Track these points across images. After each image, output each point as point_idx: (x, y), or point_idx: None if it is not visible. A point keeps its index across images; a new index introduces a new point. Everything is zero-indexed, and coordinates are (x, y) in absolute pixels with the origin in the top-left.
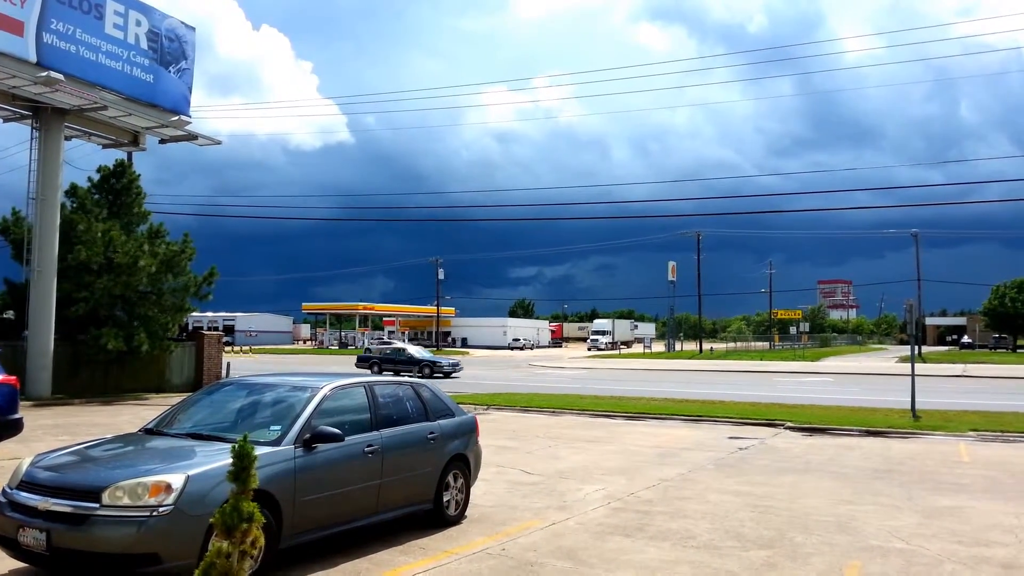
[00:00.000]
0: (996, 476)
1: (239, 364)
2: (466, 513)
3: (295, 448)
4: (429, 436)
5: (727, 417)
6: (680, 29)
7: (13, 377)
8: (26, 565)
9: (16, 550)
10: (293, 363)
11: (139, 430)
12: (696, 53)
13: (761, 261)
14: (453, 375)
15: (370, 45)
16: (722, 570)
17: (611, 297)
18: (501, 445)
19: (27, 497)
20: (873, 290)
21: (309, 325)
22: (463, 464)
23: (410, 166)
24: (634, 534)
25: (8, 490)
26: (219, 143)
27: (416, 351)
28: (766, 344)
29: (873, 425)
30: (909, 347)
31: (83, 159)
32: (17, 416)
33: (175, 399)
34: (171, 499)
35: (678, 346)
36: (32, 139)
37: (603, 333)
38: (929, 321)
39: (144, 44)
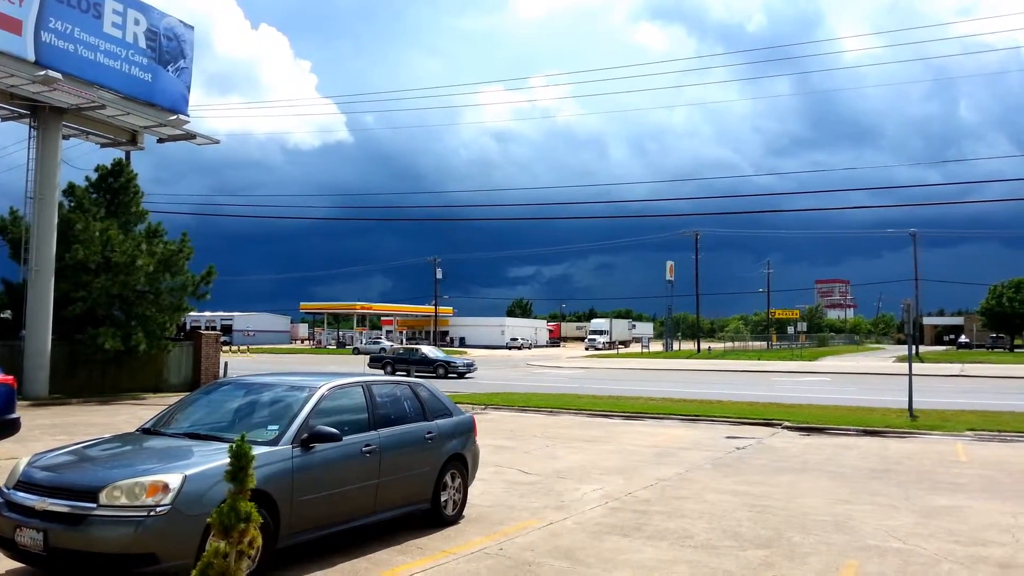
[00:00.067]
0: (993, 476)
1: (237, 364)
2: (464, 513)
3: (293, 448)
4: (427, 436)
5: (725, 417)
6: (679, 28)
7: (10, 377)
8: (23, 565)
9: (13, 550)
10: (291, 363)
11: (137, 430)
12: (695, 52)
13: (759, 261)
14: (467, 375)
15: (369, 44)
16: (719, 570)
17: (609, 297)
18: (499, 445)
19: (24, 497)
20: (871, 290)
21: (307, 325)
22: (461, 464)
23: (409, 165)
24: (632, 534)
25: (5, 490)
26: (217, 142)
27: (430, 351)
28: (764, 344)
29: (871, 425)
30: (906, 347)
31: (81, 158)
32: (14, 416)
33: (173, 399)
34: (168, 499)
35: (676, 346)
36: (30, 138)
37: (601, 333)
38: (927, 321)
39: (142, 43)
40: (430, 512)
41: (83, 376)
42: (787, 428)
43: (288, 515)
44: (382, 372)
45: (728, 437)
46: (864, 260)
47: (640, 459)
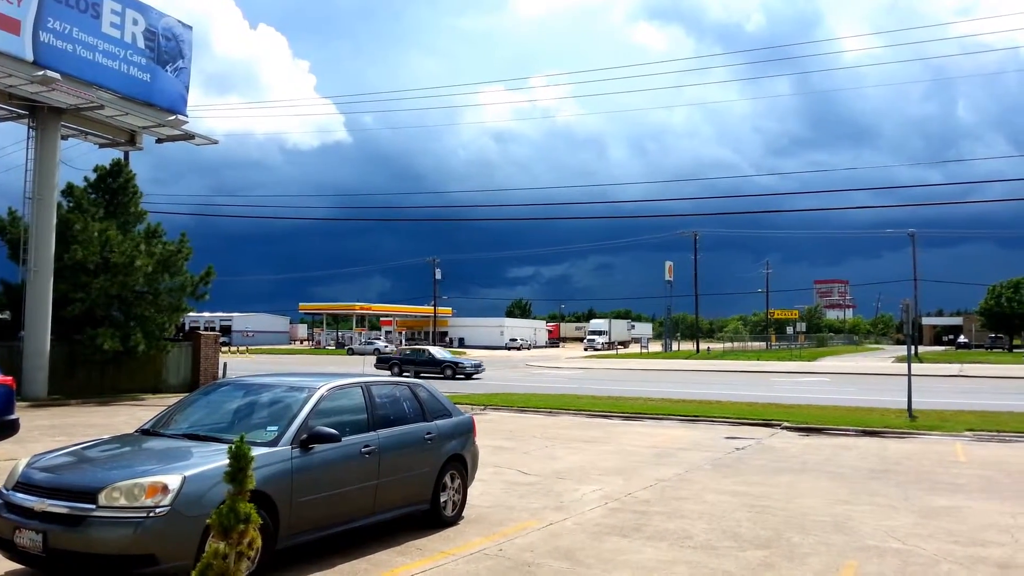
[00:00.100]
0: (992, 476)
1: (236, 364)
2: (463, 513)
3: (292, 449)
4: (426, 436)
5: (724, 417)
6: (678, 28)
7: (9, 378)
8: (22, 567)
9: (12, 552)
10: (290, 363)
11: (136, 431)
12: (694, 52)
13: (758, 261)
14: (475, 376)
15: (368, 44)
16: (719, 570)
17: (608, 297)
18: (498, 445)
19: (23, 498)
20: (870, 290)
21: (306, 325)
22: (460, 464)
23: (408, 166)
24: (631, 534)
25: (4, 491)
26: (216, 142)
27: (437, 352)
28: (763, 344)
29: (870, 425)
30: (905, 347)
31: (80, 158)
32: (13, 417)
33: (172, 399)
34: (168, 500)
35: (675, 346)
36: (28, 138)
37: (600, 333)
38: (925, 321)
39: (141, 43)
40: (429, 513)
41: (82, 377)
42: (786, 428)
43: (287, 516)
44: (388, 373)
45: (727, 437)
46: (863, 260)
47: (639, 460)
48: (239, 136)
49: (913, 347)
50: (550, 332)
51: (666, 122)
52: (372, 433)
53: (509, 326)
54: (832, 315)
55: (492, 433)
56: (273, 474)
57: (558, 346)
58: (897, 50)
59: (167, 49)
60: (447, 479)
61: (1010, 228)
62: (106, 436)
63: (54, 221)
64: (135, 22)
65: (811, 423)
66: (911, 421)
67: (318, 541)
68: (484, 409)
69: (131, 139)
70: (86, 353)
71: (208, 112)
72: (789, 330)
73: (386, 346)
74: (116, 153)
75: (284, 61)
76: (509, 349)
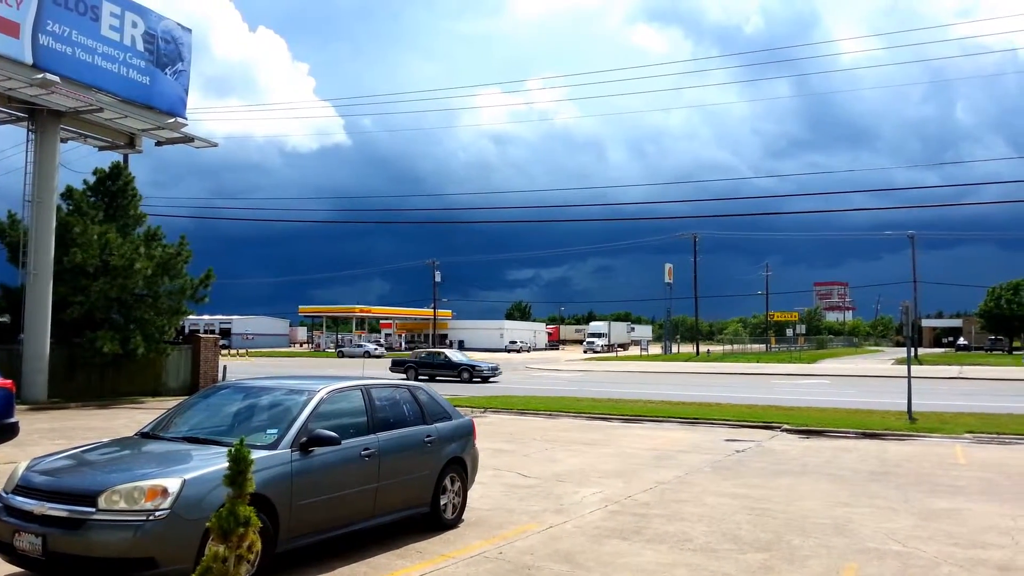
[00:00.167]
0: (992, 478)
1: (235, 367)
2: (463, 516)
3: (292, 452)
4: (426, 439)
5: (724, 419)
6: (676, 31)
7: (9, 381)
8: (22, 570)
9: (12, 555)
10: (290, 366)
11: (135, 434)
12: (692, 55)
13: (758, 263)
14: (492, 379)
15: (367, 47)
16: (719, 573)
17: (608, 299)
18: (498, 448)
19: (23, 502)
20: (869, 292)
21: (306, 328)
22: (460, 467)
23: (407, 168)
24: (631, 537)
25: (4, 495)
26: (215, 145)
27: (454, 355)
28: (762, 346)
29: (870, 427)
30: (905, 349)
31: (79, 161)
32: (13, 420)
33: (171, 402)
34: (167, 503)
35: (675, 348)
36: (28, 141)
37: (599, 336)
38: (925, 323)
39: (140, 46)
40: (429, 516)
41: (81, 380)
42: (786, 431)
43: (287, 519)
44: (404, 376)
45: (727, 440)
46: (863, 262)
47: (639, 462)
48: (238, 139)
49: (913, 349)
50: (550, 334)
51: (665, 124)
52: (372, 436)
53: (509, 328)
54: (832, 317)
55: (492, 436)
56: (273, 477)
57: (558, 348)
58: (896, 52)
59: (166, 52)
60: (447, 482)
61: (1009, 230)
62: (106, 439)
63: (53, 224)
64: (134, 25)
65: (811, 425)
66: (911, 423)
67: (318, 544)
68: (484, 412)
69: (130, 142)
70: (86, 356)
71: (207, 115)
72: (789, 332)
73: (375, 348)
74: (115, 156)
75: (283, 64)
76: (509, 352)
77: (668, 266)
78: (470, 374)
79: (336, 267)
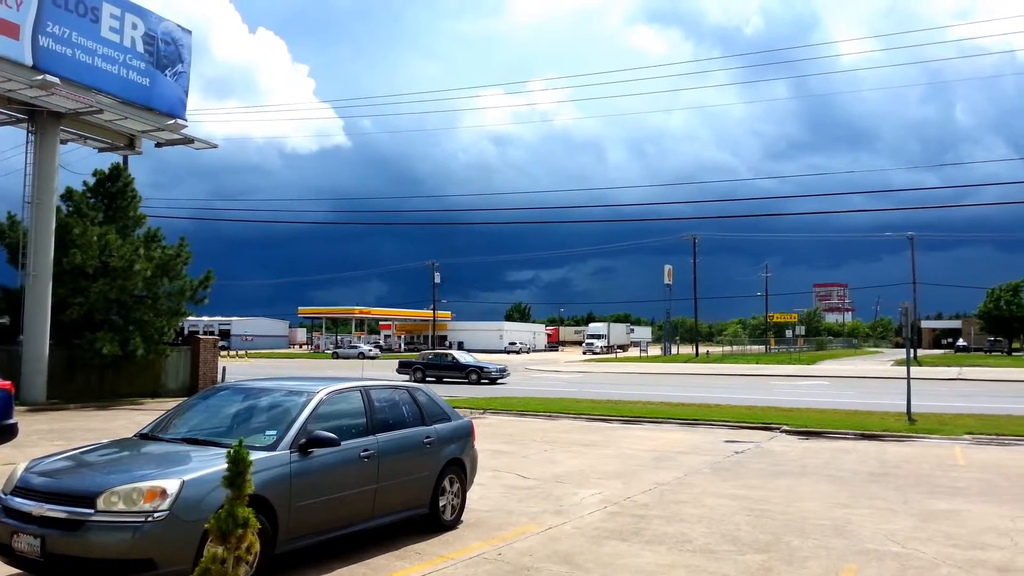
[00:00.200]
0: (991, 479)
1: (235, 369)
2: (462, 518)
3: (291, 453)
4: (425, 440)
5: (723, 421)
6: (676, 32)
7: (8, 382)
8: (21, 572)
9: (10, 556)
10: (289, 367)
11: (134, 435)
12: (692, 56)
13: (757, 264)
14: (500, 381)
15: (367, 48)
16: (718, 574)
17: (608, 301)
18: (497, 449)
19: (22, 503)
20: (869, 293)
21: (305, 329)
22: (459, 468)
23: (407, 169)
24: (630, 538)
25: (3, 496)
26: (215, 147)
27: (462, 356)
28: (762, 347)
29: (869, 428)
30: (905, 350)
31: (79, 163)
32: (12, 421)
33: (171, 404)
34: (166, 504)
35: (674, 350)
36: (28, 143)
37: (599, 337)
38: (924, 324)
39: (140, 47)
40: (428, 517)
41: (81, 381)
42: (786, 432)
43: (286, 520)
44: (410, 378)
45: (727, 441)
46: (862, 263)
47: (639, 463)
48: (238, 140)
49: (912, 350)
50: (549, 336)
51: (665, 126)
52: (371, 437)
53: (508, 330)
54: (831, 318)
55: (491, 437)
56: (272, 478)
57: (557, 350)
58: (895, 53)
59: (166, 53)
60: (446, 483)
61: (1009, 231)
62: (105, 440)
63: (53, 225)
64: (134, 26)
65: (810, 426)
66: (910, 424)
67: (317, 545)
68: (483, 413)
69: (130, 143)
70: (85, 357)
71: (207, 116)
72: (788, 333)
73: (370, 350)
74: (115, 157)
75: (283, 65)
76: (508, 353)
77: (668, 267)
78: (478, 376)
79: (335, 268)
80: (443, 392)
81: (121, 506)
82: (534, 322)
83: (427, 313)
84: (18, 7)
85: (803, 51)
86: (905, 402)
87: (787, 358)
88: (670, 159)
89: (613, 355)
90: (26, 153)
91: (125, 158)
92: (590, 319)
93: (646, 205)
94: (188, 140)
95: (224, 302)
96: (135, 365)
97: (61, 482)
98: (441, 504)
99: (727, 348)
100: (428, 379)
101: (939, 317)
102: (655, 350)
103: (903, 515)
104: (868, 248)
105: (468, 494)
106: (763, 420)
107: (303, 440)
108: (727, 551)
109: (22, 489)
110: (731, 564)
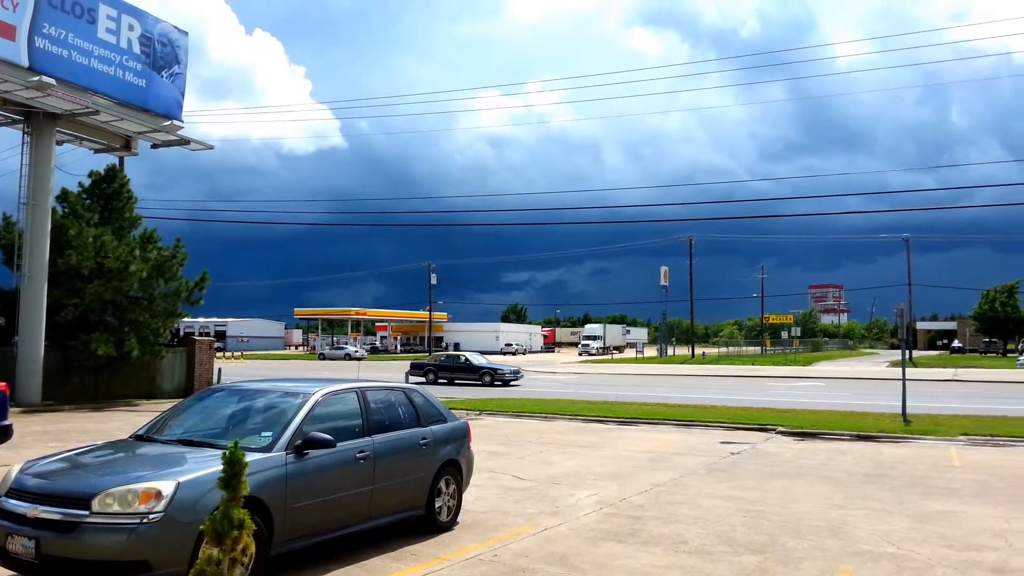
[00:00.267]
0: (986, 480)
1: (231, 370)
2: (458, 519)
3: (286, 454)
4: (421, 442)
5: (719, 422)
6: (673, 34)
7: (3, 383)
8: (15, 574)
9: (5, 558)
10: (285, 369)
11: (130, 436)
12: (689, 58)
13: (753, 266)
14: (513, 383)
15: (364, 50)
16: (714, 575)
17: (604, 302)
18: (493, 450)
19: (16, 504)
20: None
21: (301, 331)
22: (455, 470)
23: (403, 170)
24: (626, 539)
25: None
26: (211, 148)
27: (475, 357)
28: (758, 349)
29: (864, 429)
30: (900, 351)
31: (75, 164)
32: (7, 423)
33: (166, 405)
34: (161, 506)
35: (670, 351)
36: (23, 144)
37: (595, 338)
38: (920, 325)
39: (137, 49)
40: (424, 518)
41: (76, 382)
42: (781, 433)
43: (282, 522)
44: (423, 380)
45: (722, 442)
46: (858, 265)
47: (634, 464)
48: (235, 141)
49: (907, 352)
50: (545, 337)
51: (661, 127)
52: (367, 439)
53: (504, 331)
54: (827, 320)
55: (487, 438)
56: (267, 480)
57: (553, 351)
58: (891, 55)
59: (163, 55)
60: (442, 484)
61: (1004, 233)
62: (100, 442)
63: (49, 226)
64: (131, 28)
65: (806, 428)
66: (906, 425)
67: (313, 547)
68: (479, 414)
69: (126, 144)
70: (80, 359)
71: (204, 117)
72: (784, 335)
73: (356, 351)
74: (111, 158)
75: (280, 66)
76: (504, 354)
77: (664, 269)
78: (491, 377)
79: (332, 270)
80: (455, 394)
81: (116, 508)
82: (530, 323)
83: (423, 314)
84: (14, 8)
85: (799, 53)
86: (900, 403)
87: (783, 359)
88: (666, 161)
89: (609, 356)
90: (22, 154)
91: (121, 159)
92: (586, 320)
93: (642, 206)
94: (184, 141)
95: (220, 303)
96: (130, 366)
97: (56, 484)
98: (437, 505)
99: (723, 349)
100: (440, 381)
101: (934, 318)
102: (651, 351)
103: (898, 516)
104: (864, 250)
105: (464, 495)
106: (759, 421)
107: (299, 441)
108: (723, 552)
109: (17, 491)
110: (727, 565)
